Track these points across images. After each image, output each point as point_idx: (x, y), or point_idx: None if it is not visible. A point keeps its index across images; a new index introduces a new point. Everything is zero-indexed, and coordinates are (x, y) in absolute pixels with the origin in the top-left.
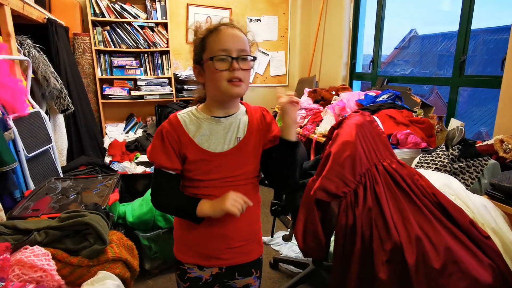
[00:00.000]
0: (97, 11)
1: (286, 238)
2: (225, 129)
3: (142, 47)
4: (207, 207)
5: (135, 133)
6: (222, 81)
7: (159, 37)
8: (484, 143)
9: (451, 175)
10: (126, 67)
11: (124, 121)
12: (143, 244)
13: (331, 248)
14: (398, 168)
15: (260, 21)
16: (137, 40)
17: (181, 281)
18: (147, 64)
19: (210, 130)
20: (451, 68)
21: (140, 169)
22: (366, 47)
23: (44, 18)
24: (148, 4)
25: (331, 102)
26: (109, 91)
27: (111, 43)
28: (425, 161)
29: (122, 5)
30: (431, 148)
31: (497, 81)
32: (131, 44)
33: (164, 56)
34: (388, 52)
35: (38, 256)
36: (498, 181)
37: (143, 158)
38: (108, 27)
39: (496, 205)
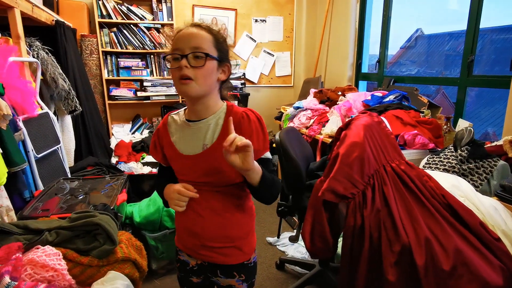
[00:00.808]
0: (104, 13)
1: (293, 239)
2: (192, 134)
3: (148, 48)
4: (166, 189)
5: (141, 133)
6: (175, 80)
7: (165, 37)
8: (493, 144)
9: (460, 176)
10: (133, 68)
11: (131, 122)
12: (150, 244)
13: (338, 249)
14: (406, 169)
15: (265, 21)
16: (144, 41)
17: (176, 262)
18: (153, 65)
19: (181, 133)
20: (457, 68)
21: (147, 170)
22: (372, 47)
23: (53, 20)
24: (154, 5)
25: (337, 103)
26: (115, 92)
27: (117, 44)
28: (433, 162)
29: (129, 6)
30: (439, 149)
31: (506, 81)
32: (137, 45)
33: None
34: (393, 52)
35: (50, 256)
36: (508, 183)
37: (150, 158)
38: (114, 29)
39: (506, 206)
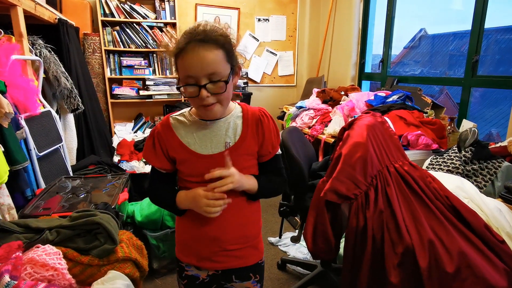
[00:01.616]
0: (107, 11)
1: (295, 239)
2: (212, 133)
3: (151, 47)
4: (183, 196)
5: (143, 132)
6: (196, 105)
7: (168, 37)
8: (497, 145)
9: (464, 178)
10: (135, 67)
11: (133, 121)
12: (151, 244)
13: (341, 250)
14: (410, 170)
15: (268, 21)
16: (146, 40)
17: (180, 278)
18: (156, 64)
19: (197, 133)
20: (461, 68)
21: (149, 169)
22: (375, 47)
23: (55, 18)
24: (157, 4)
25: (340, 103)
26: (118, 90)
27: (120, 43)
28: (437, 163)
29: (132, 5)
30: (443, 150)
31: (510, 82)
32: (140, 44)
33: None
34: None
35: (50, 255)
36: None
37: None
38: (117, 27)
39: (511, 208)
